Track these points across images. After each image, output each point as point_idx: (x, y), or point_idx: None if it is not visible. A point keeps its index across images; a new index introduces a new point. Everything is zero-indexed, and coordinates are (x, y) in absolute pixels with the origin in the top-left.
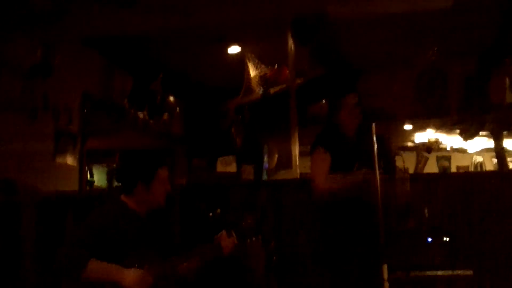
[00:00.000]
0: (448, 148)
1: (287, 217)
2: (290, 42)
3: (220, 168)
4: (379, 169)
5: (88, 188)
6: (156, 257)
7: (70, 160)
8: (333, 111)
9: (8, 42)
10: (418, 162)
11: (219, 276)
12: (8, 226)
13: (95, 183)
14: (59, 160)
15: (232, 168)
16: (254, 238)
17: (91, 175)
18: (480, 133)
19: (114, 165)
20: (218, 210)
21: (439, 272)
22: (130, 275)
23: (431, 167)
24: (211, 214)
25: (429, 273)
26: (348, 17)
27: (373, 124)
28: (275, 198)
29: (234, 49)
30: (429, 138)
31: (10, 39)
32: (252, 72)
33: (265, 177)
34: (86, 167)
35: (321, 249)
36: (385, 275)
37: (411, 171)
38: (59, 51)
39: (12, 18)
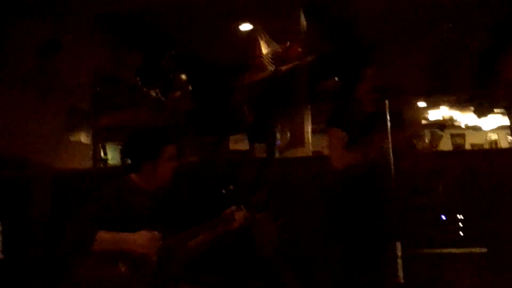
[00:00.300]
0: (463, 126)
1: (298, 194)
2: (302, 19)
3: (232, 146)
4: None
5: (101, 166)
6: (165, 232)
7: (83, 138)
8: (351, 85)
9: (19, 20)
10: (431, 140)
11: (229, 250)
12: (20, 201)
13: (109, 161)
14: (72, 137)
15: (244, 146)
16: (264, 213)
17: (105, 153)
18: (495, 110)
19: None
20: (231, 187)
21: (453, 250)
22: (139, 238)
23: (445, 145)
24: (223, 190)
25: (442, 250)
26: None
27: (386, 101)
28: (287, 174)
29: (245, 27)
30: (443, 115)
31: (21, 17)
32: (264, 49)
33: (277, 155)
34: (100, 145)
35: (333, 226)
36: (398, 252)
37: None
38: (69, 28)
39: None
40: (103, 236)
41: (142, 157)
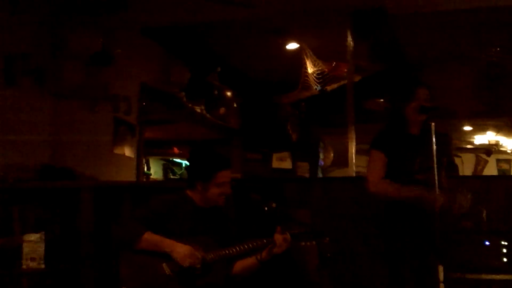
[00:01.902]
0: (509, 151)
1: (341, 214)
2: (349, 38)
3: (275, 164)
4: (441, 166)
5: (145, 180)
6: (212, 246)
7: (127, 151)
8: (400, 105)
9: (71, 31)
10: (477, 164)
11: (270, 271)
12: (67, 210)
13: (152, 176)
14: (117, 150)
15: (287, 164)
16: (309, 243)
17: (148, 168)
18: None
19: (170, 158)
20: (273, 205)
21: (496, 276)
22: (181, 248)
23: (490, 169)
24: (266, 208)
25: (486, 276)
26: (408, 12)
27: (433, 124)
28: (330, 194)
29: (292, 45)
30: (489, 139)
31: (74, 28)
32: (310, 69)
33: (320, 174)
34: (143, 159)
35: (375, 247)
36: (441, 277)
37: (469, 172)
38: (119, 41)
39: (76, 7)
40: (151, 236)
41: (195, 177)
